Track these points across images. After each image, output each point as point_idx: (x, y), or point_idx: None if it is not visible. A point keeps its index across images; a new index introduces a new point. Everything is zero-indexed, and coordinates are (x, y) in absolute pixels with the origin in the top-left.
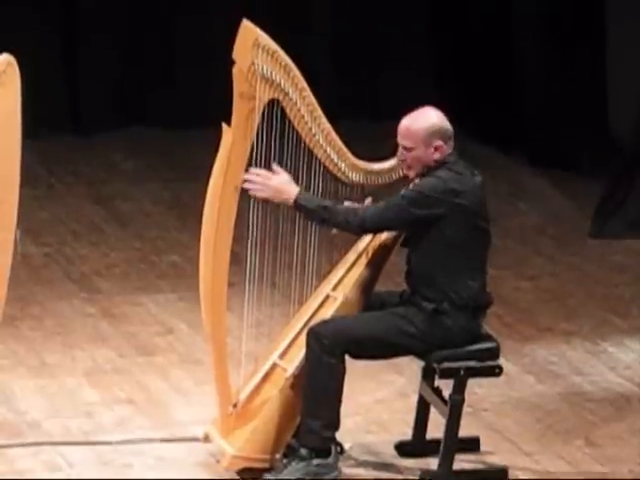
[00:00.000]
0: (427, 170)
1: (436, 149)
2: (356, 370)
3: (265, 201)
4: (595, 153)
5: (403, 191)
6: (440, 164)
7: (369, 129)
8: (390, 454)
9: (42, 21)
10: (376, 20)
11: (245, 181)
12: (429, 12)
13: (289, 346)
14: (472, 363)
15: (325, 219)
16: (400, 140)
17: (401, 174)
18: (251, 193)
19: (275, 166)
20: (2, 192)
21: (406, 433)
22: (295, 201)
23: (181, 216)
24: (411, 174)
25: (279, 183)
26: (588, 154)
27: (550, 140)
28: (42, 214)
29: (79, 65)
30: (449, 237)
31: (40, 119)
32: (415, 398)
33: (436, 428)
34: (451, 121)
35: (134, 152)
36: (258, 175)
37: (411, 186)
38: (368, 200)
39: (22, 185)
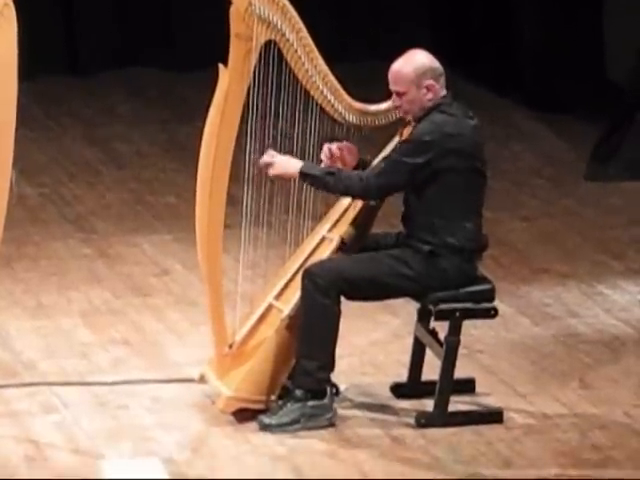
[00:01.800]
0: (422, 114)
1: (428, 89)
2: (351, 311)
3: (276, 177)
4: (591, 96)
5: (398, 145)
6: (434, 106)
7: (366, 71)
8: (385, 395)
9: None
10: None
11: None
12: None
13: (285, 287)
14: (467, 305)
15: (331, 185)
16: (392, 86)
17: (398, 115)
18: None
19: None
20: None
21: (401, 374)
22: (301, 171)
23: (177, 157)
24: (408, 117)
25: (283, 159)
26: (584, 97)
27: (546, 83)
28: (38, 155)
29: (76, 6)
30: (445, 180)
31: (37, 60)
32: (410, 340)
33: (431, 370)
34: (448, 64)
35: (131, 93)
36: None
37: (405, 134)
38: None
39: (18, 126)
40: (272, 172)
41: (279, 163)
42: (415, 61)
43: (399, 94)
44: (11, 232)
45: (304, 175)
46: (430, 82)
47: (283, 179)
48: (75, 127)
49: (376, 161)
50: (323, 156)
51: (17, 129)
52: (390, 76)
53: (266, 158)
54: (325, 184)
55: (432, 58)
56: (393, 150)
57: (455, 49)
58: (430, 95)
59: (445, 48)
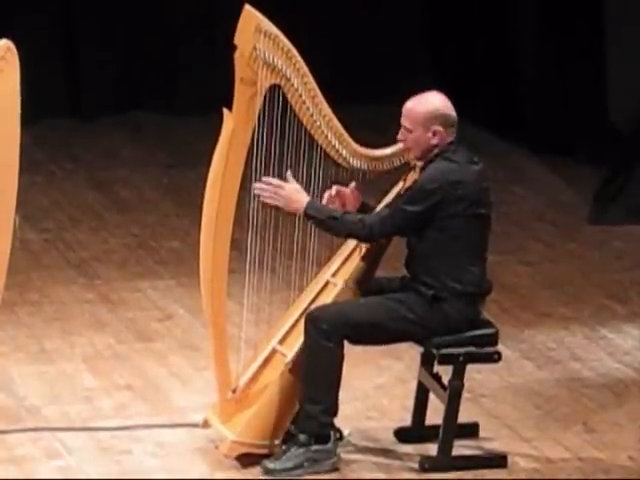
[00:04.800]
0: (426, 161)
1: (434, 134)
2: (355, 356)
3: (275, 209)
4: (594, 139)
5: (403, 193)
6: (439, 153)
7: (369, 115)
8: (389, 440)
9: (41, 6)
10: (373, 6)
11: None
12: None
13: (289, 332)
14: (471, 349)
15: (333, 228)
16: (402, 120)
17: (402, 161)
18: (262, 199)
19: (289, 175)
20: (1, 178)
21: (405, 419)
22: (305, 211)
23: (180, 202)
24: (410, 155)
25: (290, 192)
26: (587, 140)
27: (549, 126)
28: (41, 200)
29: (79, 50)
30: (449, 225)
31: (39, 104)
32: (414, 384)
33: (435, 414)
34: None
35: (134, 138)
36: (270, 183)
37: (409, 179)
38: (352, 184)
39: (21, 171)
40: (274, 202)
41: (285, 196)
42: (429, 104)
43: (406, 129)
44: (14, 277)
45: (307, 216)
46: (438, 128)
47: (282, 211)
48: (78, 171)
49: (379, 207)
50: (324, 201)
51: (20, 173)
52: (403, 110)
53: (271, 187)
54: (328, 227)
55: (448, 105)
56: (398, 197)
57: (456, 91)
58: (435, 140)
59: (446, 90)
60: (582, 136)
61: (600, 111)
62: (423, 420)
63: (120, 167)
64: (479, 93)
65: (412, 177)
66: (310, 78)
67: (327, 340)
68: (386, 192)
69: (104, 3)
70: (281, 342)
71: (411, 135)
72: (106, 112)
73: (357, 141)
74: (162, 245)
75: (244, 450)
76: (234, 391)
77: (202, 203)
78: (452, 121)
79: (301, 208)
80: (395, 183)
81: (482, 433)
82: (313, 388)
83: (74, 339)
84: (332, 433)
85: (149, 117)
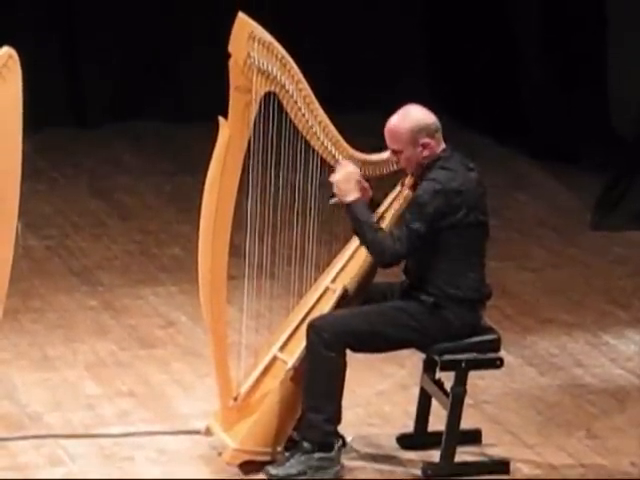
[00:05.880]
0: (422, 170)
1: (424, 146)
2: (357, 362)
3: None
4: (596, 145)
5: (406, 212)
6: (433, 162)
7: (366, 120)
8: (392, 446)
9: (43, 14)
10: (371, 10)
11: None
12: (425, 2)
13: (289, 338)
14: (473, 355)
15: (362, 235)
16: (388, 144)
17: (399, 165)
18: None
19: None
20: (3, 185)
21: (408, 425)
22: (350, 203)
23: (182, 209)
24: (408, 172)
25: (346, 182)
26: (589, 146)
27: (551, 132)
28: (44, 207)
29: (81, 58)
30: (448, 233)
31: (42, 112)
32: (416, 390)
33: (438, 420)
34: (450, 112)
35: (135, 145)
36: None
37: (407, 183)
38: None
39: (23, 178)
40: (334, 179)
41: (347, 173)
42: (410, 119)
43: (395, 152)
44: (17, 284)
45: (350, 209)
46: (426, 140)
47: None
48: (80, 179)
49: (381, 209)
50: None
51: (22, 181)
52: (386, 134)
53: (340, 170)
54: (360, 231)
55: (427, 113)
56: (405, 214)
57: (458, 97)
58: (426, 152)
59: (447, 97)
60: (584, 142)
61: (602, 117)
62: (426, 426)
63: (122, 174)
64: (481, 99)
65: (410, 181)
66: (305, 84)
67: (329, 349)
68: (385, 195)
69: (106, 11)
70: (282, 349)
71: (402, 155)
72: (107, 120)
73: (353, 146)
74: (164, 252)
75: (246, 458)
76: (235, 399)
77: None
78: (436, 127)
79: (350, 197)
80: (393, 187)
81: (485, 439)
82: (316, 397)
83: (77, 346)
84: (335, 441)
85: (150, 125)
